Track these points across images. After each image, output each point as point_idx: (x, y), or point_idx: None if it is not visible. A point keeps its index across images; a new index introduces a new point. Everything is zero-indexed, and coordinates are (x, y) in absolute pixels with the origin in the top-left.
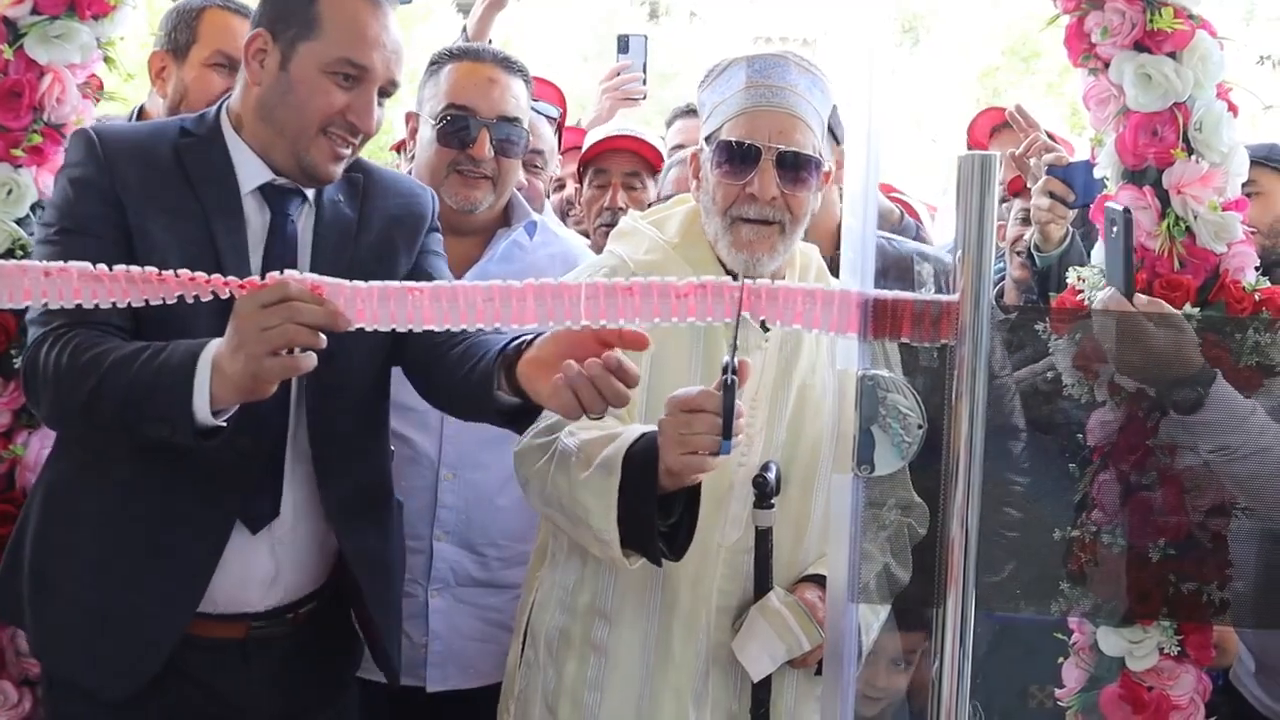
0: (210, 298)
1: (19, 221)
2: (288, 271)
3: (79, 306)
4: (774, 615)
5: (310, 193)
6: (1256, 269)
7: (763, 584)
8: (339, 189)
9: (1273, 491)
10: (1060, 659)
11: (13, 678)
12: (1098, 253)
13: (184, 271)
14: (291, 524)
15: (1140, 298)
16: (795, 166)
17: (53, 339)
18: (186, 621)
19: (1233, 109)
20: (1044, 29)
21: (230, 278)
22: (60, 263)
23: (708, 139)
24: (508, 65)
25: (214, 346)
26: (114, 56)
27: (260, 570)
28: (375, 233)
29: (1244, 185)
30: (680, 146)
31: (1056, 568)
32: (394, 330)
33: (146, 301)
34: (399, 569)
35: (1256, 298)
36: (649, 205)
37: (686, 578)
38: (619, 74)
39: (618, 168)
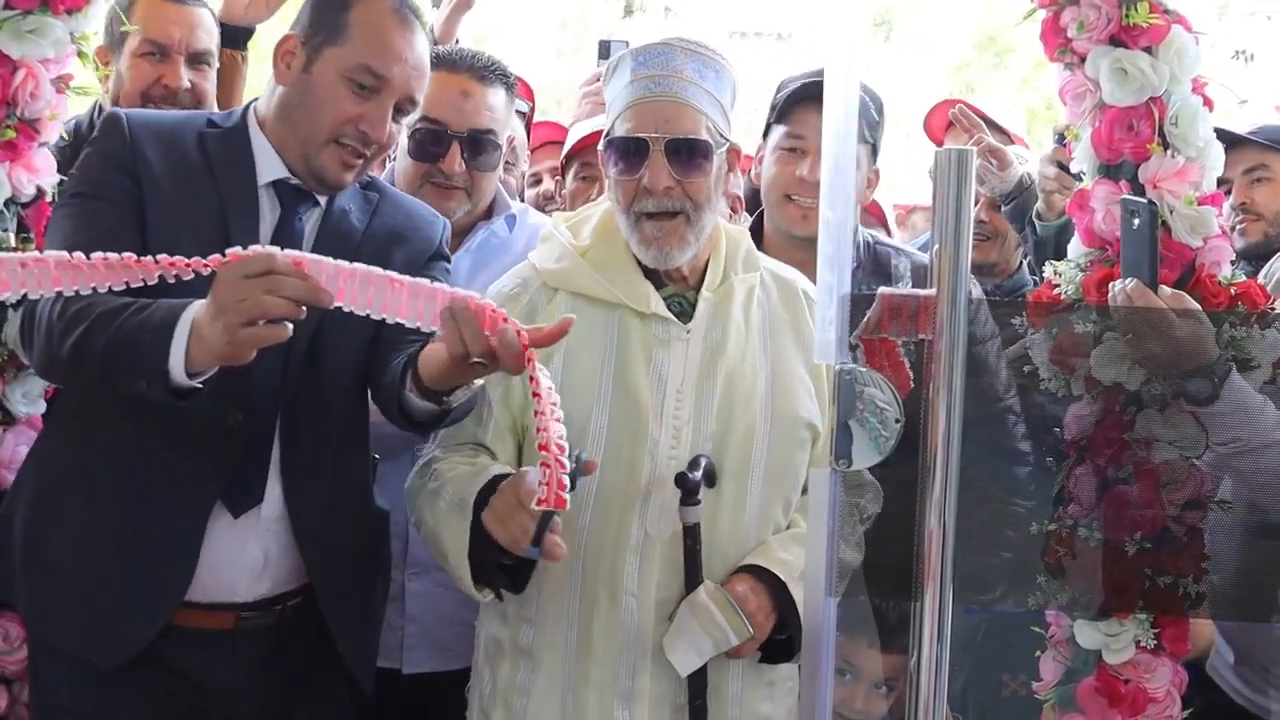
0: (191, 277)
1: None
2: (270, 247)
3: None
4: (701, 610)
5: (324, 199)
6: (1232, 263)
7: (693, 579)
8: (351, 201)
9: (1271, 483)
10: (1037, 652)
11: None
12: (1074, 248)
13: (163, 256)
14: (279, 514)
15: (1164, 289)
16: (685, 153)
17: (55, 304)
18: (177, 597)
19: (1208, 103)
20: (1020, 23)
21: (213, 255)
22: (36, 253)
23: (605, 138)
24: (483, 75)
25: (195, 308)
26: (87, 52)
27: (248, 558)
28: (375, 247)
29: (1254, 170)
30: None
31: (1034, 561)
32: (369, 317)
33: (127, 284)
34: (379, 576)
35: (1232, 291)
36: None
37: (603, 575)
38: (599, 79)
39: (576, 163)
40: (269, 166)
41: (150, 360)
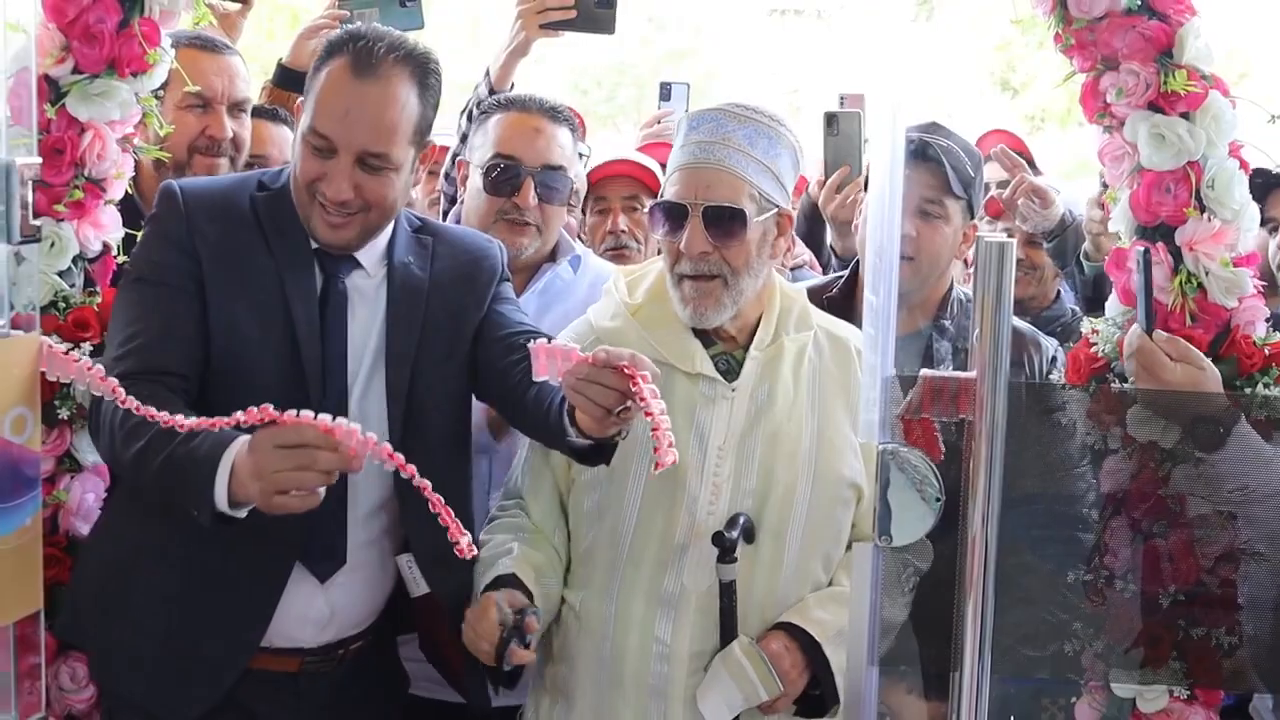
0: (233, 426)
1: (61, 274)
2: (304, 412)
3: (146, 351)
4: (734, 664)
5: (366, 257)
6: (1266, 321)
7: (728, 634)
8: (410, 251)
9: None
10: (1073, 699)
11: (57, 715)
12: (1112, 304)
13: (203, 419)
14: (350, 568)
15: (1159, 335)
16: (721, 220)
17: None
18: (249, 656)
19: (1244, 167)
20: (1059, 85)
21: (249, 409)
22: (101, 369)
23: (654, 200)
24: (553, 115)
25: (237, 447)
26: (152, 112)
27: (315, 612)
28: (446, 294)
29: None
30: None
31: (1070, 609)
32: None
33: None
34: None
35: (1266, 352)
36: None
37: (635, 623)
38: (660, 120)
39: (616, 193)
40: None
41: (197, 490)
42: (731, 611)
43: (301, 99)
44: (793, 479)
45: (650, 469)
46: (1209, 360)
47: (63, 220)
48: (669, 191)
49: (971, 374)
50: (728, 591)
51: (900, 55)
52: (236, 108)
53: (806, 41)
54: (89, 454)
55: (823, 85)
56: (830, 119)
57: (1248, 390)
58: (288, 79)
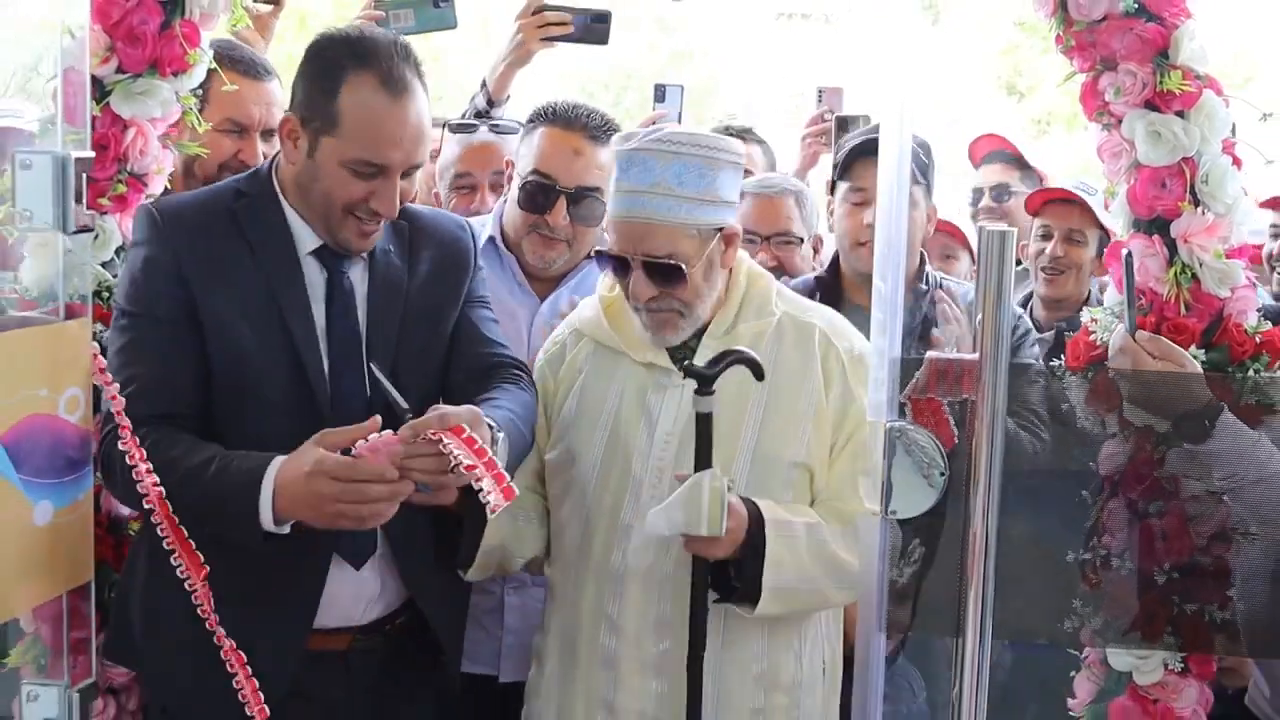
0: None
1: (105, 265)
2: (373, 438)
3: (144, 398)
4: (695, 490)
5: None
6: (1258, 311)
7: (703, 463)
8: (388, 239)
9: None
10: (1072, 672)
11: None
12: (1110, 295)
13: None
14: (383, 550)
15: (1141, 334)
16: (662, 271)
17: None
18: (300, 646)
19: (1237, 163)
20: (1060, 85)
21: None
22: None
23: (597, 250)
24: (595, 135)
25: (274, 470)
26: (191, 110)
27: (366, 589)
28: (422, 287)
29: None
30: None
31: (1069, 587)
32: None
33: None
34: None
35: (1258, 340)
36: None
37: (587, 597)
38: (654, 121)
39: None
40: (306, 238)
41: (241, 517)
42: (707, 441)
43: (298, 113)
44: (729, 461)
45: (595, 461)
46: (1190, 357)
47: (106, 213)
48: (610, 240)
49: (974, 356)
50: (704, 422)
51: (907, 59)
52: (270, 133)
53: (813, 46)
54: None
55: (836, 84)
56: (842, 123)
57: (1239, 375)
58: None
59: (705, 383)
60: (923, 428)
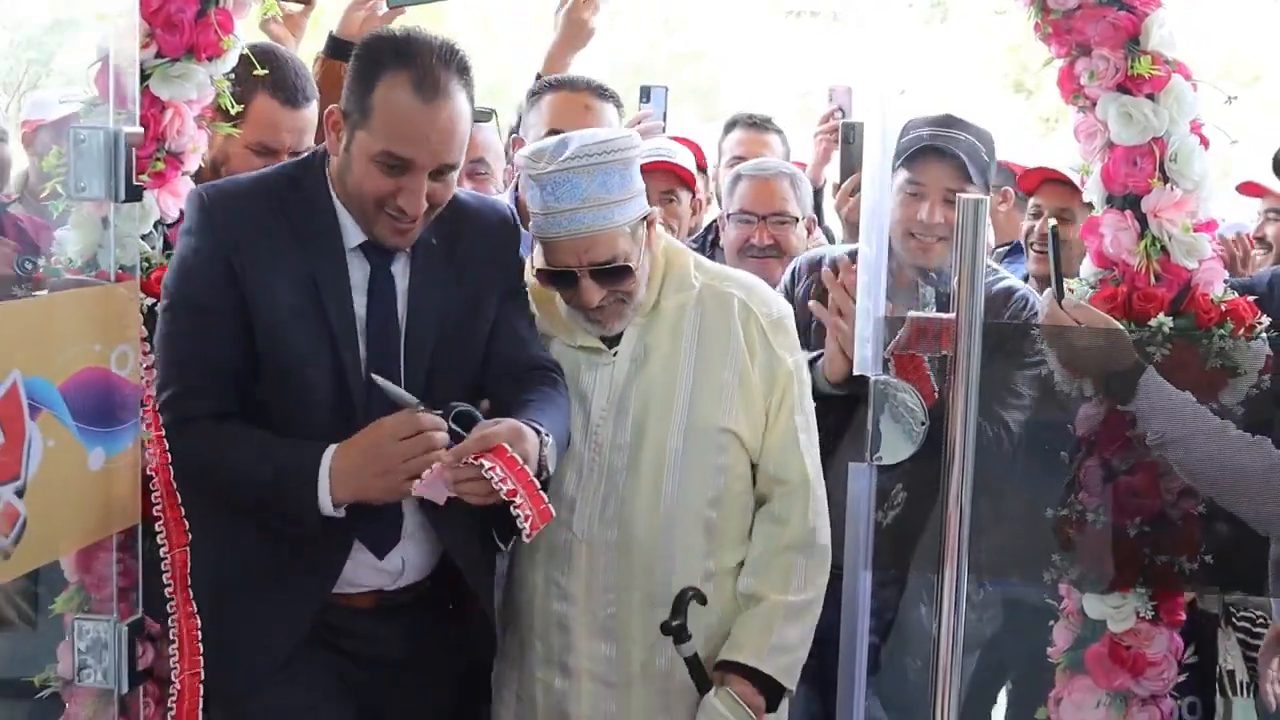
0: None
1: (144, 237)
2: (426, 474)
3: (193, 395)
4: (713, 712)
5: None
6: (1225, 282)
7: (702, 688)
8: (431, 229)
9: (1206, 471)
10: (1051, 621)
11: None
12: (1086, 266)
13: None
14: (415, 527)
15: (1068, 300)
16: (611, 274)
17: (176, 430)
18: (308, 622)
19: (1204, 143)
20: (1040, 70)
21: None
22: None
23: (535, 269)
24: (600, 93)
25: (329, 457)
26: (225, 92)
27: (390, 566)
28: (463, 281)
29: None
30: (739, 158)
31: (1048, 541)
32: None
33: None
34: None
35: (1222, 308)
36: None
37: (539, 566)
38: (640, 121)
39: (654, 187)
40: (353, 231)
41: (300, 503)
42: (701, 673)
43: (342, 106)
44: (663, 431)
45: None
46: (1114, 322)
47: (145, 189)
48: (549, 259)
49: (952, 315)
50: (693, 663)
51: (915, 57)
52: (298, 154)
53: (820, 44)
54: None
55: (846, 83)
56: (848, 129)
57: (1205, 341)
58: (339, 49)
59: (681, 633)
60: (905, 382)
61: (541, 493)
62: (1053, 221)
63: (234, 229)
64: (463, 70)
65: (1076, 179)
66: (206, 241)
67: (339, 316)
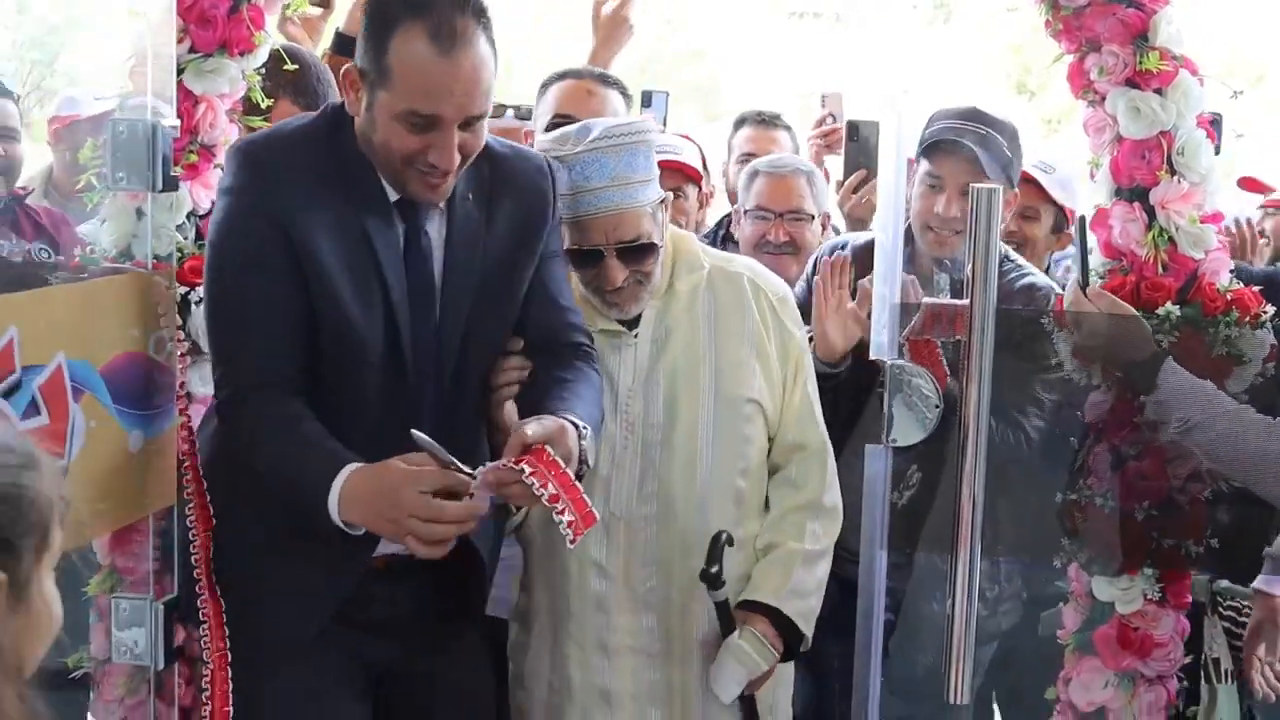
0: None
1: (178, 227)
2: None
3: (256, 363)
4: (739, 651)
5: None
6: (1231, 272)
7: (727, 630)
8: (468, 184)
9: (1228, 453)
10: (1060, 604)
11: None
12: (1095, 259)
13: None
14: None
15: (1092, 288)
16: (635, 252)
17: (230, 406)
18: (339, 598)
19: (1211, 136)
20: (1049, 66)
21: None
22: None
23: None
24: (603, 80)
25: (342, 480)
26: (255, 88)
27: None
28: (500, 238)
29: None
30: (749, 155)
31: (1058, 525)
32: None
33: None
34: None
35: (1228, 298)
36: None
37: (574, 549)
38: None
39: (663, 184)
40: (387, 189)
41: (314, 509)
42: (729, 617)
43: (358, 64)
44: (694, 407)
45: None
46: (1135, 312)
47: (179, 180)
48: (576, 239)
49: (966, 301)
50: (723, 609)
51: (919, 58)
52: None
53: (823, 44)
54: (200, 386)
55: (837, 89)
56: (853, 128)
57: (1211, 329)
58: (345, 46)
59: (718, 579)
60: (920, 366)
61: (585, 497)
62: (1080, 212)
63: (282, 182)
64: (479, 12)
65: (1042, 178)
66: (254, 195)
67: (391, 265)
